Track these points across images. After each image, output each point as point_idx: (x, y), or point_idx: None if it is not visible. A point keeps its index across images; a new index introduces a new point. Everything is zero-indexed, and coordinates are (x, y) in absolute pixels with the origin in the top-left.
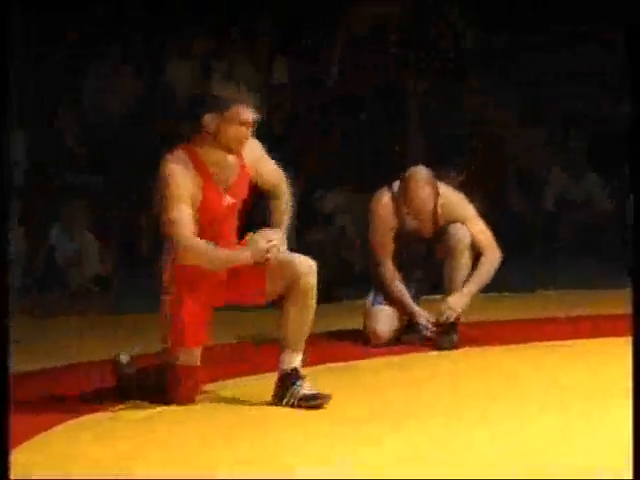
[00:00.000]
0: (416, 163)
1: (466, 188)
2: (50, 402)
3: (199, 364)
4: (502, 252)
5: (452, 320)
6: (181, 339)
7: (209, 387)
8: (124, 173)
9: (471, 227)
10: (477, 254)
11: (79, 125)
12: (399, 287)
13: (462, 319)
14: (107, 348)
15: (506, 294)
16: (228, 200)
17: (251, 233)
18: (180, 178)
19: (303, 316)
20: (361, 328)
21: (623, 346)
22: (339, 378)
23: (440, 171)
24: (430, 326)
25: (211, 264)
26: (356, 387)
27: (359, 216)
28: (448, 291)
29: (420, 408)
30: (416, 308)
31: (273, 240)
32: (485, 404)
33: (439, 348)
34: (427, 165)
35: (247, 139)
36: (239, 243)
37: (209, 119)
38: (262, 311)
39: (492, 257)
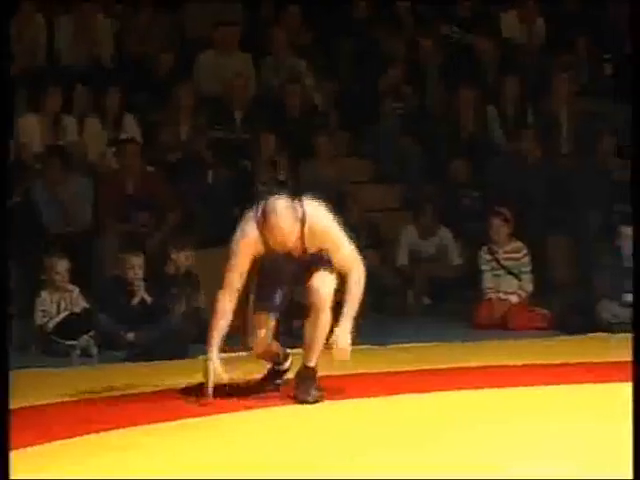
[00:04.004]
0: None
1: None
2: None
3: None
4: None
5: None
6: None
7: None
8: None
9: (336, 253)
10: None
11: None
12: (221, 326)
13: (320, 372)
14: None
15: (363, 347)
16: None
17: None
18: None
19: None
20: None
21: (480, 398)
22: (197, 433)
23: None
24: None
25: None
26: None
27: (209, 272)
28: (306, 347)
29: (279, 463)
30: (214, 358)
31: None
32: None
33: (300, 402)
34: None
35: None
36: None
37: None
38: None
39: (357, 276)
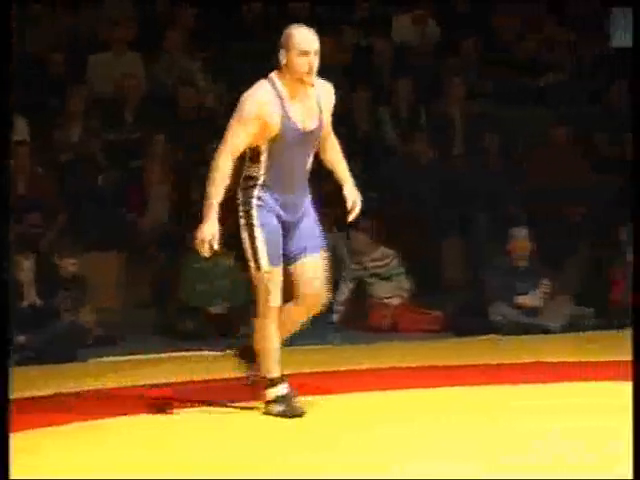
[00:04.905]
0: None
1: None
2: None
3: None
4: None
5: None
6: None
7: None
8: None
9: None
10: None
11: None
12: (221, 186)
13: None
14: None
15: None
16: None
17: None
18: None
19: None
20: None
21: (374, 400)
22: (89, 435)
23: None
24: (207, 245)
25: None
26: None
27: (97, 275)
28: None
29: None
30: (213, 217)
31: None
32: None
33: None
34: None
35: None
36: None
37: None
38: None
39: (334, 141)
